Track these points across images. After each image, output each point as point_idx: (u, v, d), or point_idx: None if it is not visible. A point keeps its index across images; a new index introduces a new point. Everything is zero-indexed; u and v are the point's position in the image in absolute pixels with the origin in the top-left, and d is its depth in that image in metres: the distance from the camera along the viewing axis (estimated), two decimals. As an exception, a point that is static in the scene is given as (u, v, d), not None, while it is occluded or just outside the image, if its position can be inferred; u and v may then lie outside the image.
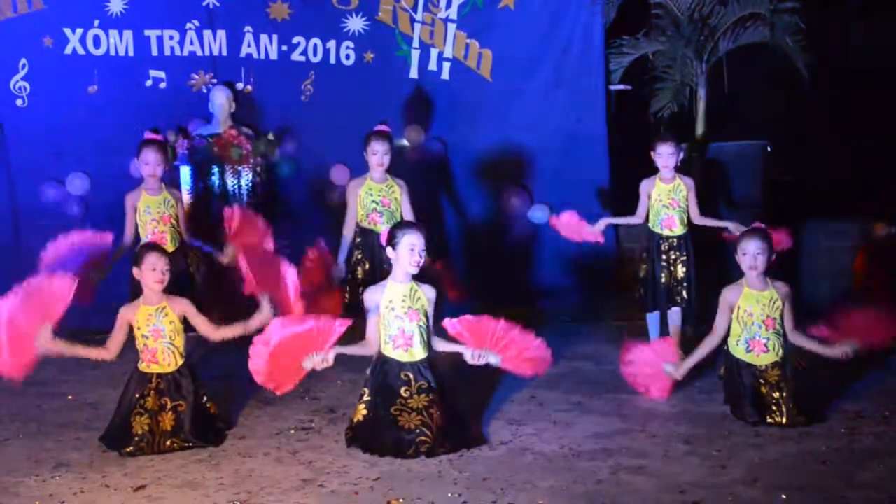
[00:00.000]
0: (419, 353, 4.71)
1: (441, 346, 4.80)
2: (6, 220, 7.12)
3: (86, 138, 7.06)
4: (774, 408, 4.92)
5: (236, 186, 7.15)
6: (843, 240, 7.52)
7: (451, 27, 7.46)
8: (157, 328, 4.75)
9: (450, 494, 4.08)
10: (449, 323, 4.71)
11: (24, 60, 7.06)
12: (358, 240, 5.94)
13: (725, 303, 5.11)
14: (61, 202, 7.09)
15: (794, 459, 4.47)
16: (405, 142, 7.17)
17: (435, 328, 4.82)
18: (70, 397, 5.56)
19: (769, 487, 4.12)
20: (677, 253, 6.14)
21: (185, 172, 7.00)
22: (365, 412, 4.69)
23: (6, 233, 7.12)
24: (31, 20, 7.06)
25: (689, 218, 6.12)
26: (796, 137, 8.48)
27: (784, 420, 4.88)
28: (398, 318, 4.69)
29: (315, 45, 7.34)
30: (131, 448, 4.57)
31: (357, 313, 5.85)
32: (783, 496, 4.02)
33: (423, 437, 4.52)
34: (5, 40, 7.02)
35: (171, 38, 7.16)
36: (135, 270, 4.80)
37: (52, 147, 7.09)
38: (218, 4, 7.17)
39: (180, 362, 4.79)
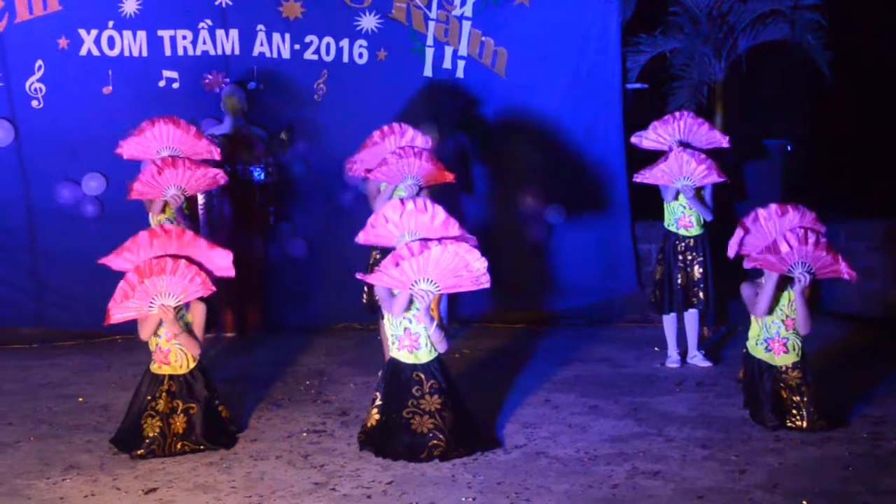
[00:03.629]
0: (424, 356, 4.65)
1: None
2: (22, 221, 7.13)
3: (101, 139, 7.03)
4: (795, 412, 4.83)
5: (248, 186, 7.12)
6: (865, 239, 7.42)
7: (466, 25, 7.40)
8: (172, 329, 4.73)
9: (463, 498, 4.04)
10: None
11: (39, 62, 7.04)
12: (375, 239, 5.90)
13: (751, 294, 4.98)
14: (77, 203, 7.09)
15: (815, 465, 4.39)
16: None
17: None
18: (81, 399, 5.55)
19: (789, 493, 4.04)
20: (694, 254, 6.06)
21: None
22: (378, 417, 4.64)
23: (22, 233, 7.12)
24: (47, 21, 7.05)
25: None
26: (817, 136, 8.37)
27: (805, 424, 4.80)
28: (405, 318, 4.64)
29: (328, 44, 7.29)
30: (142, 451, 4.55)
31: (376, 312, 5.83)
32: (804, 502, 3.94)
33: (436, 441, 4.48)
34: (21, 42, 7.02)
35: (185, 37, 7.13)
36: None
37: (67, 148, 7.07)
38: (230, 4, 7.13)
39: (192, 365, 4.76)
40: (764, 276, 4.94)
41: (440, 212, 4.66)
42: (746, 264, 4.84)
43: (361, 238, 4.84)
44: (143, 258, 4.61)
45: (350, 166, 6.01)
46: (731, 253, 5.03)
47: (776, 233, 4.87)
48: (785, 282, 4.88)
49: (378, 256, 5.87)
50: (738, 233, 4.98)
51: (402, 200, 4.69)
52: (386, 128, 5.82)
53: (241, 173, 7.08)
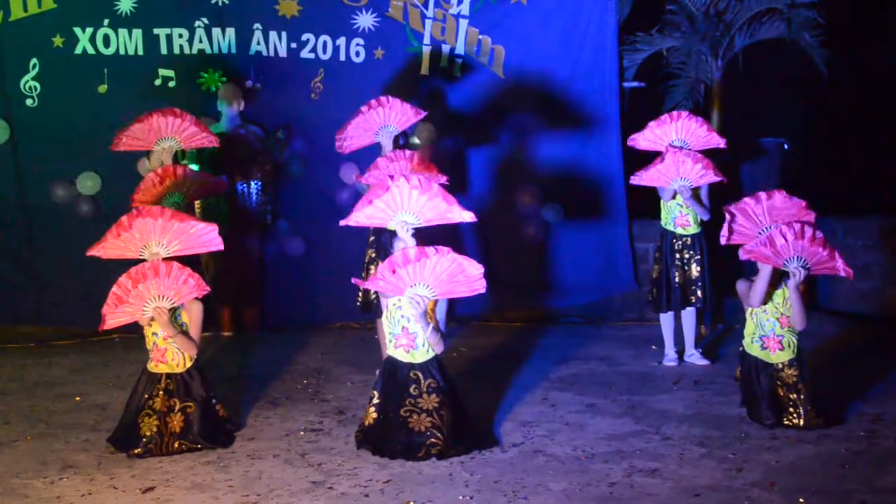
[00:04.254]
0: (421, 356, 4.65)
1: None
2: (18, 220, 7.11)
3: (96, 138, 7.01)
4: (792, 410, 4.84)
5: (245, 185, 7.12)
6: (862, 236, 7.43)
7: (463, 23, 7.40)
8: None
9: (461, 497, 4.03)
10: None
11: (34, 60, 7.02)
12: (371, 238, 5.90)
13: (746, 289, 4.99)
14: (72, 201, 7.07)
15: (812, 462, 4.39)
16: (416, 140, 7.11)
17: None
18: (78, 398, 5.53)
19: (787, 491, 4.04)
20: (691, 252, 6.07)
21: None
22: (375, 415, 4.64)
23: (19, 232, 7.11)
24: (42, 20, 7.02)
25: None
26: (814, 134, 8.38)
27: (802, 422, 4.80)
28: (403, 317, 4.64)
29: (325, 42, 7.29)
30: (139, 450, 4.54)
31: (371, 312, 5.84)
32: (801, 500, 3.94)
33: (433, 440, 4.47)
34: (16, 40, 7.00)
35: (181, 36, 7.12)
36: None
37: (62, 147, 7.06)
38: (227, 2, 7.12)
39: (189, 364, 4.75)
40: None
41: (436, 189, 4.66)
42: (742, 256, 4.84)
43: (352, 220, 4.78)
44: (129, 242, 4.62)
45: (340, 144, 6.01)
46: (722, 240, 5.05)
47: (766, 218, 4.91)
48: (779, 274, 4.88)
49: (373, 255, 5.87)
50: (727, 219, 5.01)
51: (391, 177, 4.70)
52: (373, 101, 5.85)
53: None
